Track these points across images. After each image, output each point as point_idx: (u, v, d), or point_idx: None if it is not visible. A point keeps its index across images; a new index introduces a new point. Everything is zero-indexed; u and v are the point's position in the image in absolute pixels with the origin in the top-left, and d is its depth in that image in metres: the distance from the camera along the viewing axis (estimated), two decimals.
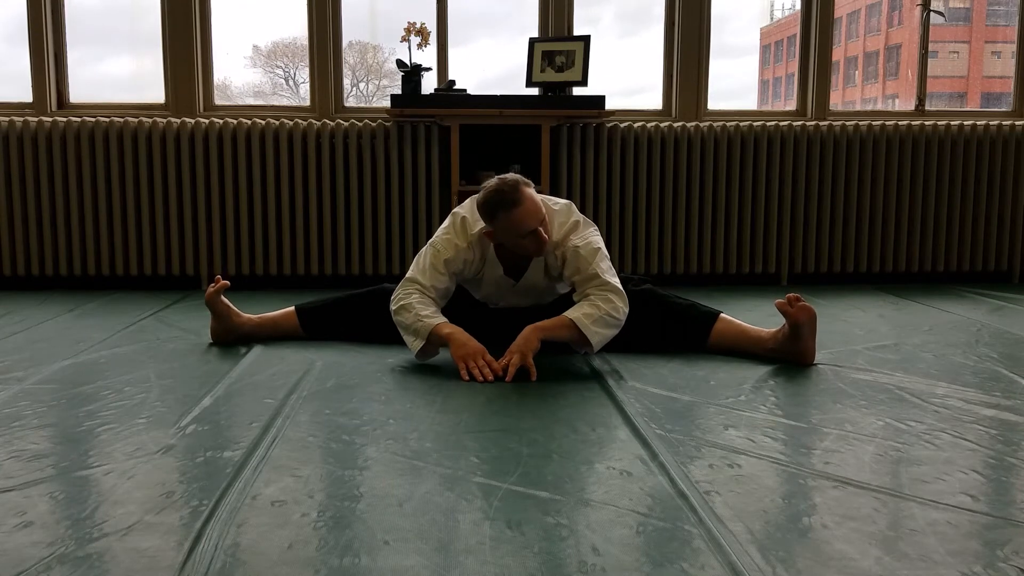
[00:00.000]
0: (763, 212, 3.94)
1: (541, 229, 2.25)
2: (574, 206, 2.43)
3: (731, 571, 1.15)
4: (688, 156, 3.89)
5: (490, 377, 2.18)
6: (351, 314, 2.66)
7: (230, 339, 2.63)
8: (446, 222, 2.43)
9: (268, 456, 1.60)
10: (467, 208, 2.41)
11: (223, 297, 2.59)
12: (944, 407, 1.94)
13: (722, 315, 2.50)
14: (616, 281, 2.31)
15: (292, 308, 2.70)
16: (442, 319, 2.31)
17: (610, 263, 2.36)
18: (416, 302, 2.31)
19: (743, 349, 2.44)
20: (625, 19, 4.30)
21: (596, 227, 2.42)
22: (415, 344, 2.31)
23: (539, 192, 2.35)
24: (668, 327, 2.50)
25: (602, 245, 2.36)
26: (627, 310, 2.30)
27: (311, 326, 2.66)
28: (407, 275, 2.39)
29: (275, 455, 1.60)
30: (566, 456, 1.61)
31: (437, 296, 2.36)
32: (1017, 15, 4.23)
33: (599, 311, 2.25)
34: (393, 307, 2.36)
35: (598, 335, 2.25)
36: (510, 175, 2.30)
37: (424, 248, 2.42)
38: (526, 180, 2.30)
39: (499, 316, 2.50)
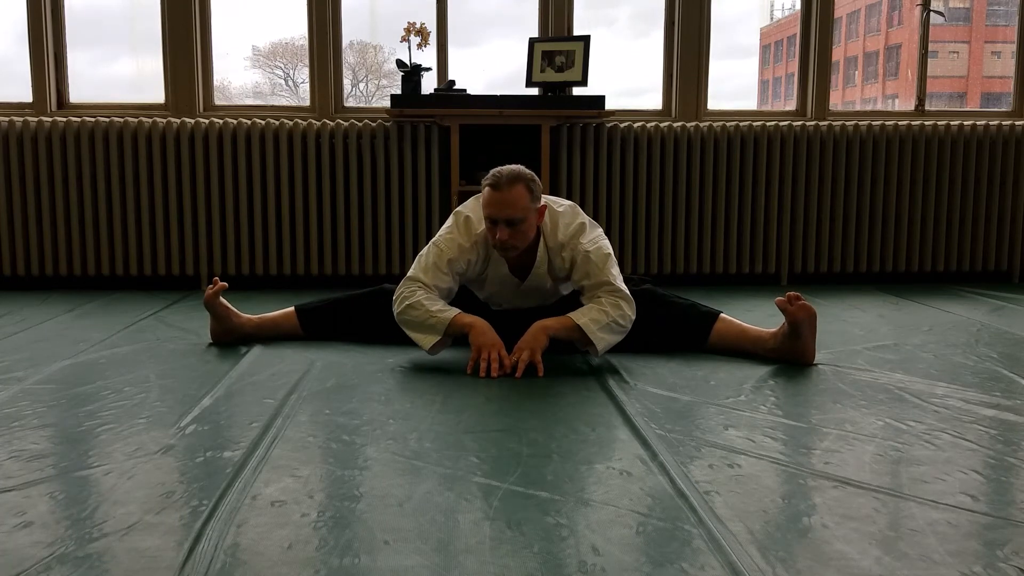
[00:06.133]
0: (763, 212, 3.94)
1: (507, 230, 2.23)
2: (579, 208, 2.44)
3: (731, 571, 1.15)
4: (688, 156, 3.89)
5: (495, 373, 2.19)
6: (351, 315, 2.66)
7: (230, 340, 2.63)
8: (449, 221, 2.42)
9: (268, 456, 1.60)
10: (470, 207, 2.42)
11: (222, 298, 2.58)
12: (944, 407, 1.94)
13: (722, 315, 2.50)
14: (625, 288, 2.32)
15: (292, 308, 2.70)
16: (457, 310, 2.30)
17: (618, 269, 2.36)
18: (424, 299, 2.29)
19: (743, 349, 2.44)
20: (639, 20, 4.31)
21: (601, 229, 2.42)
22: (428, 340, 2.29)
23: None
24: (668, 327, 2.50)
25: (611, 250, 2.37)
26: (634, 317, 2.30)
27: (311, 327, 2.66)
28: (408, 274, 2.37)
29: (275, 455, 1.60)
30: (566, 456, 1.61)
31: (440, 296, 2.34)
32: (1017, 15, 4.23)
33: (607, 317, 2.25)
34: (397, 308, 2.33)
35: (604, 341, 2.26)
36: (520, 167, 2.31)
37: (427, 247, 2.40)
38: (533, 178, 2.29)
39: (501, 318, 2.50)
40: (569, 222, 2.36)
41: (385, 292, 2.64)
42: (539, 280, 2.41)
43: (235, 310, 2.63)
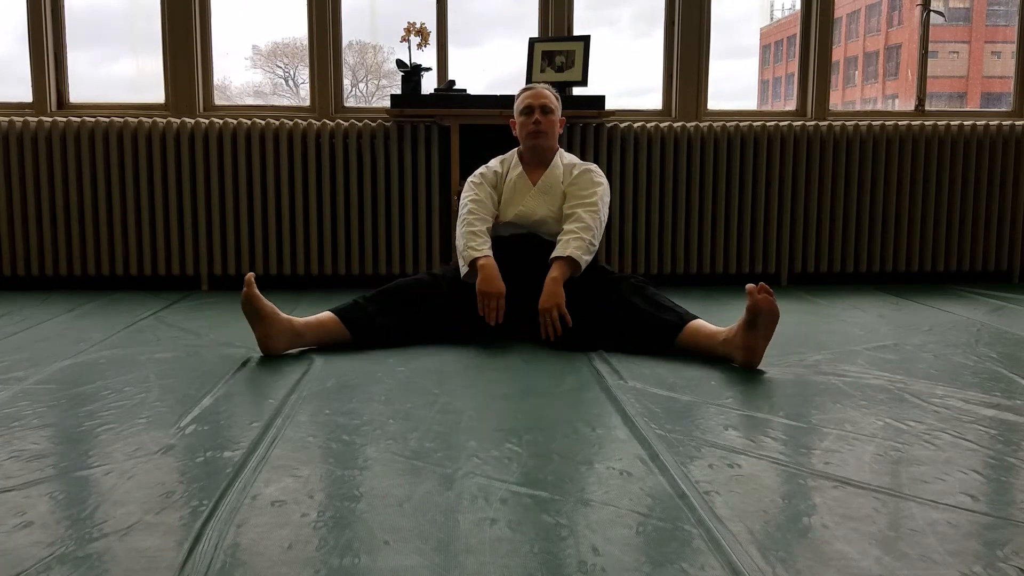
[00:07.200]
0: (763, 212, 3.94)
1: (541, 118, 2.72)
2: None
3: (731, 571, 1.15)
4: (688, 156, 3.89)
5: (491, 320, 2.51)
6: (399, 310, 2.55)
7: (283, 342, 2.41)
8: None
9: (268, 456, 1.60)
10: None
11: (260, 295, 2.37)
12: (944, 407, 1.94)
13: (697, 319, 2.46)
14: (602, 212, 2.69)
15: (330, 313, 2.52)
16: (485, 252, 2.60)
17: (607, 203, 2.75)
18: (469, 231, 2.64)
19: (701, 346, 2.39)
20: (640, 20, 4.33)
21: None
22: (462, 268, 2.63)
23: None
24: (643, 319, 2.47)
25: (607, 194, 2.76)
26: (601, 232, 2.69)
27: (357, 329, 2.51)
28: (463, 195, 2.77)
29: (275, 455, 1.60)
30: (566, 456, 1.61)
31: (492, 204, 2.74)
32: (1017, 15, 4.23)
33: (584, 241, 2.60)
34: (459, 224, 2.71)
35: (586, 262, 2.62)
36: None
37: (465, 185, 2.80)
38: (556, 92, 2.83)
39: (505, 249, 2.68)
40: (581, 162, 2.81)
41: (422, 282, 2.65)
42: (552, 180, 2.75)
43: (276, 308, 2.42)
